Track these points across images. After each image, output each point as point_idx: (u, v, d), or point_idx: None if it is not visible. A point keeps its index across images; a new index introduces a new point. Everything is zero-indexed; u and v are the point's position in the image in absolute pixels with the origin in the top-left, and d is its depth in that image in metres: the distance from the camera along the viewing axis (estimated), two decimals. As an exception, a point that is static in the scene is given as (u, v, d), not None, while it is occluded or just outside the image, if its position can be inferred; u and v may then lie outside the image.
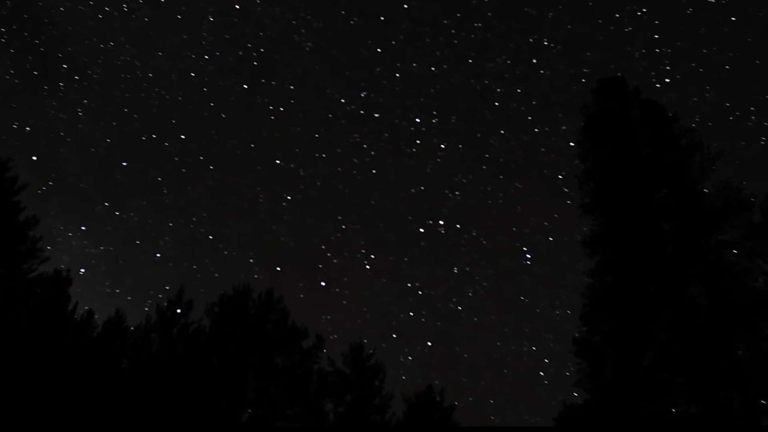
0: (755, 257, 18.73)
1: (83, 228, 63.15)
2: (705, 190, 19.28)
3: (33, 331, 20.27)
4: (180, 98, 71.58)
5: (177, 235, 63.28)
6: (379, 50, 70.63)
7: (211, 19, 71.09)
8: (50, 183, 63.88)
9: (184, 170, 71.59)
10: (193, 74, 71.86)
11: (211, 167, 71.49)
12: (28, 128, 64.79)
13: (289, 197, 68.88)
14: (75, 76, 68.70)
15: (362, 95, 72.47)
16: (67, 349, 20.66)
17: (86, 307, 22.36)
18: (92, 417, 19.66)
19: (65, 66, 66.99)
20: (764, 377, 17.62)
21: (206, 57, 73.97)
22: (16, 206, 21.18)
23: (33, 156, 64.26)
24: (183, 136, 75.25)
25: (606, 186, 19.64)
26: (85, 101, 68.68)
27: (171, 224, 66.62)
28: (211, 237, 67.10)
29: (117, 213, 65.78)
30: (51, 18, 69.23)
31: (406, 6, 69.13)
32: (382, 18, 75.76)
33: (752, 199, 18.79)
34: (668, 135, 19.57)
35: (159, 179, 69.29)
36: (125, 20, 70.26)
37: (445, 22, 73.20)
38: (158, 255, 59.86)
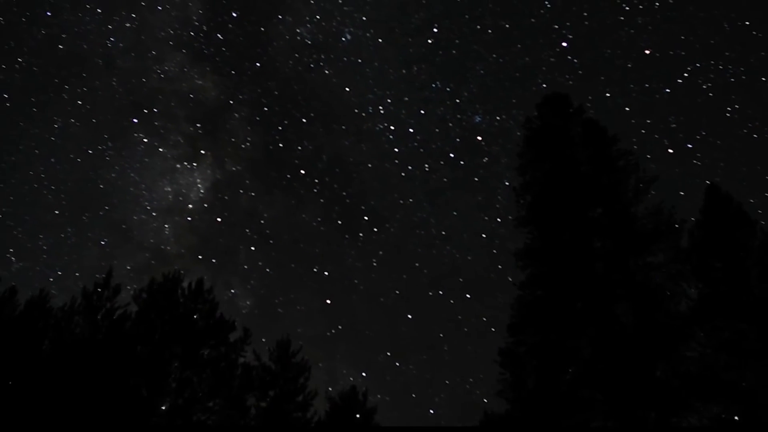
0: (680, 281, 19.19)
1: (363, 374, 64.44)
2: (638, 213, 19.70)
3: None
4: (469, 258, 73.26)
5: (452, 393, 62.14)
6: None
7: (506, 183, 73.38)
8: (339, 327, 67.44)
9: (466, 329, 71.27)
10: (484, 235, 74.55)
11: (493, 329, 70.18)
12: (326, 273, 68.88)
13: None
14: (374, 228, 71.80)
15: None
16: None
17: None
18: (7, 395, 19.09)
19: (366, 218, 73.07)
20: (680, 398, 18.01)
21: (498, 219, 74.04)
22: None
23: (327, 300, 65.48)
24: (468, 295, 74.58)
25: (542, 200, 19.86)
26: (380, 252, 72.48)
27: (447, 381, 66.58)
28: (485, 400, 65.48)
29: (397, 364, 65.79)
30: (359, 173, 76.04)
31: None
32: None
33: (681, 225, 19.30)
34: (607, 155, 19.92)
35: (441, 335, 70.30)
36: (425, 179, 75.08)
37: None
38: (431, 411, 59.09)
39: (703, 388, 17.95)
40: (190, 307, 21.58)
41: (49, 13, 68.29)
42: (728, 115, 64.39)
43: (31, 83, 69.76)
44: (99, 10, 70.70)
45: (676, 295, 19.02)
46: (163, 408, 20.21)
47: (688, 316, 18.85)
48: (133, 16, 72.49)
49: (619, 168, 19.79)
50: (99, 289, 20.72)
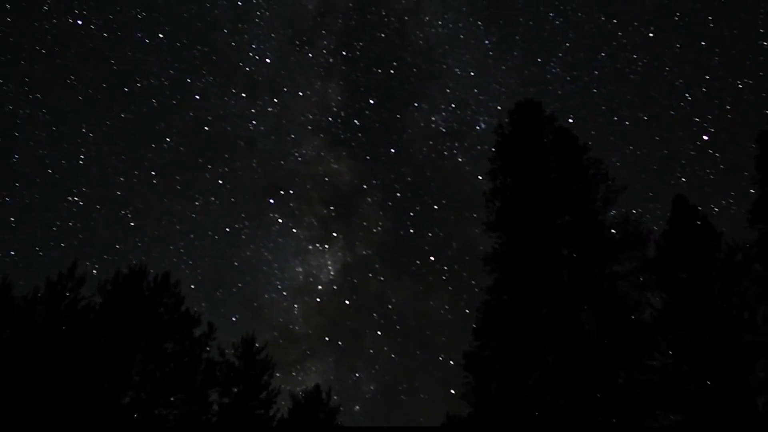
0: (645, 290, 19.37)
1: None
2: (605, 221, 19.84)
3: None
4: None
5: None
6: None
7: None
8: (458, 416, 64.30)
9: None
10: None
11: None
12: (451, 362, 65.81)
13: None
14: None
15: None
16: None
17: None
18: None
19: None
20: (641, 406, 18.14)
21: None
22: None
23: (451, 389, 64.75)
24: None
25: (511, 206, 19.92)
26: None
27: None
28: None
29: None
30: (484, 260, 71.34)
31: None
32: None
33: (649, 234, 19.46)
34: (577, 164, 20.03)
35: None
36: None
37: None
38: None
39: (665, 397, 18.10)
40: (156, 300, 21.38)
41: (197, 97, 71.50)
42: None
43: (177, 162, 72.92)
44: (243, 95, 75.20)
45: (641, 304, 19.18)
46: (125, 401, 19.99)
47: (651, 325, 19.02)
48: (275, 101, 76.25)
49: (589, 176, 19.92)
50: (62, 280, 20.46)
